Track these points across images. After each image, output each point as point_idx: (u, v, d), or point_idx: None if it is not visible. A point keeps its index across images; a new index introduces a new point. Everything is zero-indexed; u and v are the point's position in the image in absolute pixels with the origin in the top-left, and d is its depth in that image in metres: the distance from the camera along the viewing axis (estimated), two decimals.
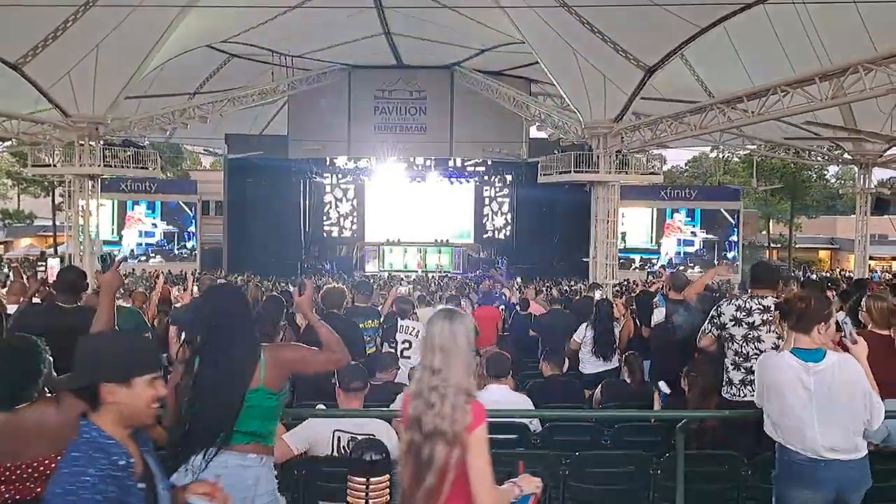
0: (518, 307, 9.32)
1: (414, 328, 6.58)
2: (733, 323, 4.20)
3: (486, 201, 35.24)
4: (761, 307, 4.15)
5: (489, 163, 32.28)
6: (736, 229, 32.17)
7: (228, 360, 2.49)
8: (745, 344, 4.15)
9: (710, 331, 4.26)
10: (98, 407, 1.74)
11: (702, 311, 4.83)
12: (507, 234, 34.38)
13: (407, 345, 6.41)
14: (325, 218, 34.28)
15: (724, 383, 4.21)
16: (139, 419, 1.78)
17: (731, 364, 4.20)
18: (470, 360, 2.12)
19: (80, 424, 1.71)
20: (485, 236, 35.21)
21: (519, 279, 19.72)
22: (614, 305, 7.29)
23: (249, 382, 2.50)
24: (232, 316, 2.55)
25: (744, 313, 4.18)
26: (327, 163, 32.78)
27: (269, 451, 2.59)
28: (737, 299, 4.29)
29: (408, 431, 2.10)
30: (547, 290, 18.70)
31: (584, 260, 21.47)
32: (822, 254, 44.16)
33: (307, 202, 32.80)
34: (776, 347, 3.93)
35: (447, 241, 33.95)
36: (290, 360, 2.66)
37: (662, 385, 4.93)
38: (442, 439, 2.01)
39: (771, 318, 4.07)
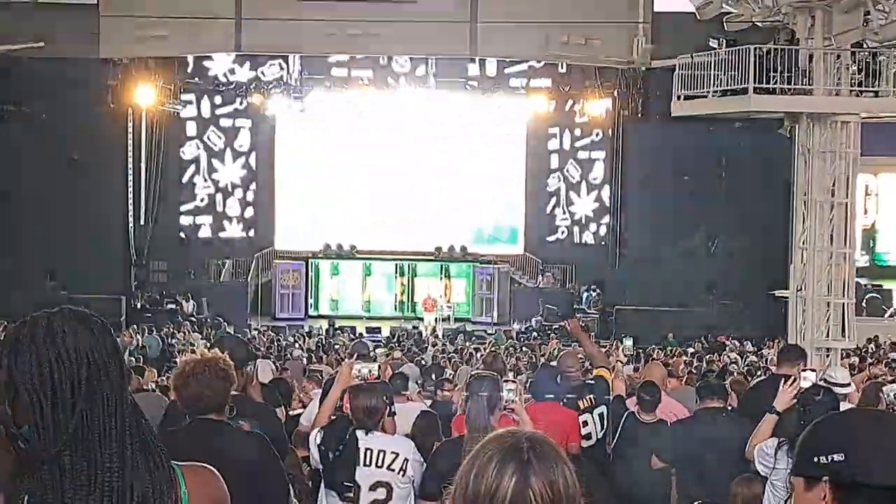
0: (636, 406, 9.38)
1: (395, 453, 6.61)
2: None
3: (555, 160, 35.44)
4: None
5: (561, 70, 32.57)
6: None
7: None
8: None
9: None
10: None
11: None
12: (602, 231, 34.58)
13: (383, 494, 6.54)
14: (182, 196, 34.70)
15: None
16: None
17: None
18: None
19: None
20: (550, 239, 35.37)
21: (628, 341, 19.82)
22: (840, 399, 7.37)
23: None
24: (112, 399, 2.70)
25: None
26: (189, 69, 33.13)
27: None
28: None
29: None
30: (695, 366, 18.67)
31: (777, 296, 21.60)
32: None
33: (142, 160, 33.05)
34: None
35: (463, 249, 34.16)
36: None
37: None
38: None
39: None
